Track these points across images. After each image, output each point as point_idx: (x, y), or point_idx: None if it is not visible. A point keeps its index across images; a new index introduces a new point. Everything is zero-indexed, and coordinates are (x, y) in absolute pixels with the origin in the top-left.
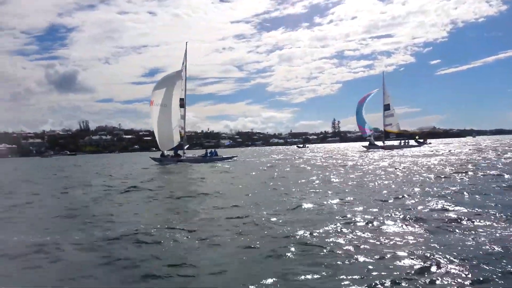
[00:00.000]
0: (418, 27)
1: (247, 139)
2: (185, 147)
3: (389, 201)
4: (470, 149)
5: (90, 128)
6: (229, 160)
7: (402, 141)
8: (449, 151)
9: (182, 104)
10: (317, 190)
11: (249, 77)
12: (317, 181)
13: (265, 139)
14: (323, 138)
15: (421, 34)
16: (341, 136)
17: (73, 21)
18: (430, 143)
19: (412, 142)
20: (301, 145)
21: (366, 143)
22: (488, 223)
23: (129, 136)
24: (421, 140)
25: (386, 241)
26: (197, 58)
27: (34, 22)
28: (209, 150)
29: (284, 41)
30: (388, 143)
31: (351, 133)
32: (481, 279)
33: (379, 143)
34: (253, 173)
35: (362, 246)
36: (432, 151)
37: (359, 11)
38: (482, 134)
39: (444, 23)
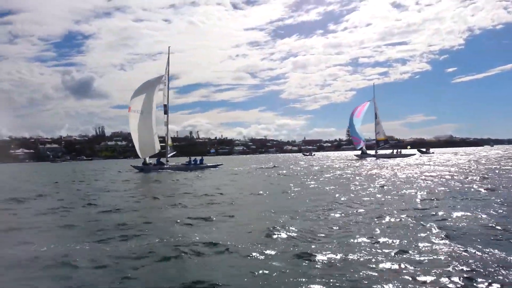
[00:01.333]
0: (434, 34)
1: (260, 146)
2: (170, 155)
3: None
4: (463, 160)
5: (105, 133)
6: (214, 168)
7: (395, 151)
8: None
9: (166, 110)
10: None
11: (263, 84)
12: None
13: (278, 146)
14: (337, 145)
15: (437, 42)
16: (353, 144)
17: (89, 28)
18: (433, 153)
19: (404, 151)
20: (307, 153)
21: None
22: None
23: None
24: (424, 150)
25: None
26: (211, 65)
27: (52, 29)
28: (193, 158)
29: (298, 48)
30: (380, 152)
31: (369, 141)
32: None
33: (372, 152)
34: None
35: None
36: (420, 161)
37: (374, 18)
38: (499, 143)
39: (460, 30)
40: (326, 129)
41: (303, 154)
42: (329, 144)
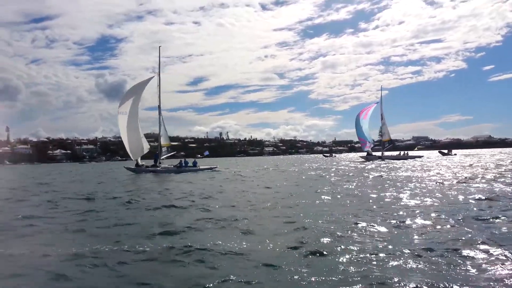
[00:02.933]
0: (470, 31)
1: (290, 147)
2: (163, 156)
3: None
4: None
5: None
6: (208, 170)
7: (402, 152)
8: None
9: (159, 111)
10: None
11: (292, 84)
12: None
13: (308, 147)
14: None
15: (473, 39)
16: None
17: (122, 32)
18: (454, 154)
19: (412, 153)
20: (328, 154)
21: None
22: None
23: (175, 143)
24: (445, 151)
25: None
26: (240, 66)
27: (86, 33)
28: (184, 160)
29: (327, 48)
30: (387, 153)
31: (399, 141)
32: None
33: (378, 154)
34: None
35: None
36: (424, 164)
37: (406, 15)
38: None
39: (498, 27)
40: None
41: (324, 155)
42: (359, 145)
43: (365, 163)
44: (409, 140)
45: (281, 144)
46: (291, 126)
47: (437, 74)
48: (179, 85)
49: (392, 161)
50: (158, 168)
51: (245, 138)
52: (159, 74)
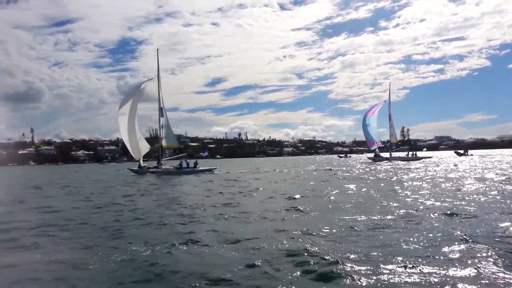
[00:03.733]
0: (494, 28)
1: (309, 147)
2: (165, 158)
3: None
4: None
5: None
6: (207, 172)
7: (410, 153)
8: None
9: (162, 113)
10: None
11: (310, 84)
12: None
13: (328, 148)
14: (390, 146)
15: (498, 36)
16: (410, 145)
17: (142, 34)
18: (471, 155)
19: (420, 154)
20: (342, 155)
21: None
22: None
23: (195, 144)
24: (461, 151)
25: None
26: (258, 66)
27: (107, 36)
28: (186, 161)
29: (346, 47)
30: (395, 154)
31: (421, 141)
32: None
33: (386, 155)
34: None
35: None
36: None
37: (428, 13)
38: None
39: None
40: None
41: (338, 156)
42: (382, 145)
43: (373, 164)
44: (431, 140)
45: (300, 145)
46: (309, 126)
47: (460, 73)
48: (197, 86)
49: (400, 162)
50: (159, 170)
51: (264, 138)
52: (159, 77)
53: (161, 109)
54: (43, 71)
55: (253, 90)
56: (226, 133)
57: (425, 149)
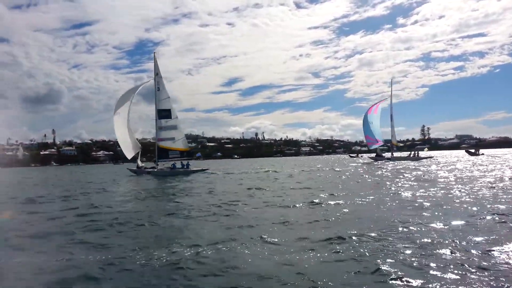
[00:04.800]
0: None
1: (327, 146)
2: (165, 160)
3: None
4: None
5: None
6: (200, 173)
7: (411, 153)
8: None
9: (168, 115)
10: None
11: (327, 83)
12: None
13: (346, 147)
14: (410, 145)
15: None
16: (431, 144)
17: (159, 35)
18: (482, 154)
19: (422, 153)
20: (354, 155)
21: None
22: None
23: (212, 144)
24: (472, 151)
25: None
26: (274, 66)
27: (124, 37)
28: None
29: (364, 45)
30: (397, 154)
31: (442, 140)
32: None
33: (388, 155)
34: None
35: None
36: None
37: (447, 9)
38: None
39: None
40: (395, 128)
41: (349, 155)
42: (401, 144)
43: (373, 164)
44: (452, 138)
45: (317, 144)
46: (326, 125)
47: (481, 70)
48: (214, 86)
49: (401, 162)
50: (155, 170)
51: (281, 138)
52: (155, 78)
53: (165, 111)
54: (63, 73)
55: (270, 89)
56: (243, 133)
57: (426, 149)
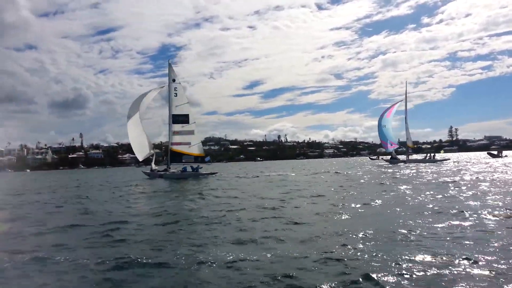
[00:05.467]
0: None
1: (351, 149)
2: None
3: None
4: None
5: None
6: (208, 176)
7: (427, 156)
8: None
9: (177, 120)
10: None
11: (350, 85)
12: None
13: (370, 149)
14: (438, 147)
15: None
16: (459, 145)
17: (181, 40)
18: (505, 156)
19: (438, 156)
20: (375, 157)
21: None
22: None
23: (235, 147)
24: (495, 153)
25: None
26: (296, 68)
27: (148, 43)
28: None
29: (387, 45)
30: (412, 157)
31: (471, 142)
32: None
33: (402, 157)
34: None
35: None
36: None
37: (474, 7)
38: None
39: None
40: (421, 130)
41: (370, 158)
42: (428, 146)
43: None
44: (481, 140)
45: (341, 146)
46: (350, 127)
47: (510, 69)
48: (236, 89)
49: (416, 164)
50: (167, 173)
51: (304, 140)
52: (170, 84)
53: (182, 116)
54: (90, 78)
55: (291, 92)
56: (265, 135)
57: (442, 151)
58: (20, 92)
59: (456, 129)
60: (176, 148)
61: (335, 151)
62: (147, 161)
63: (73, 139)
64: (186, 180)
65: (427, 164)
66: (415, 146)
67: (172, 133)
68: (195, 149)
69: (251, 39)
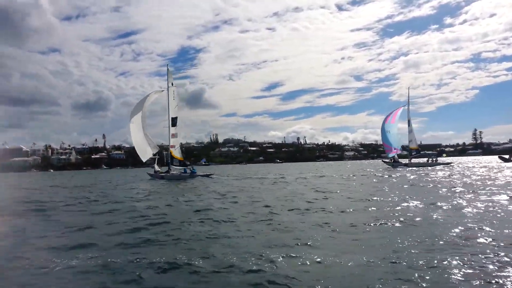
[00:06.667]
0: None
1: (371, 151)
2: (175, 165)
3: None
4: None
5: (218, 140)
6: (207, 177)
7: (430, 159)
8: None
9: (174, 123)
10: None
11: (370, 86)
12: None
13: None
14: (461, 150)
15: None
16: (483, 148)
17: (200, 43)
18: None
19: (440, 159)
20: (387, 160)
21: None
22: None
23: (254, 148)
24: (506, 157)
25: None
26: (316, 70)
27: (168, 46)
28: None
29: (409, 46)
30: (414, 161)
31: (495, 145)
32: None
33: (405, 161)
34: None
35: None
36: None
37: (499, 7)
38: None
39: None
40: (443, 133)
41: (383, 161)
42: (452, 149)
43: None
44: (506, 143)
45: (362, 149)
46: (370, 129)
47: None
48: (254, 91)
49: (419, 169)
50: (168, 174)
51: (324, 142)
52: (168, 88)
53: (173, 119)
54: (111, 81)
55: (310, 94)
56: (284, 137)
57: (444, 155)
58: (44, 94)
59: (480, 132)
60: (171, 150)
61: (356, 153)
62: (164, 162)
63: (96, 140)
64: (184, 181)
65: (430, 168)
66: (418, 148)
67: (171, 136)
68: (177, 153)
69: (270, 41)
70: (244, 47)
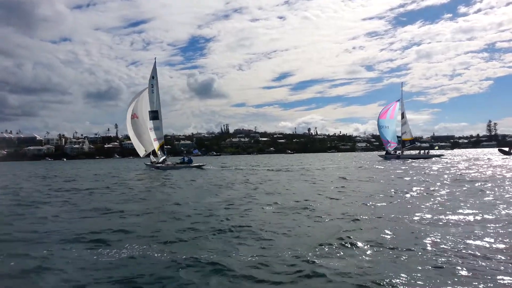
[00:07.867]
0: None
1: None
2: (164, 156)
3: None
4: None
5: (229, 130)
6: (200, 168)
7: (422, 151)
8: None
9: (156, 116)
10: None
11: (382, 76)
12: None
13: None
14: (475, 142)
15: None
16: (498, 140)
17: (211, 32)
18: None
19: (432, 151)
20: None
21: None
22: None
23: (265, 139)
24: (506, 149)
25: None
26: (326, 59)
27: (178, 35)
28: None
29: (422, 36)
30: (407, 152)
31: (510, 137)
32: None
33: (398, 152)
34: None
35: None
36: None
37: None
38: None
39: None
40: (456, 124)
41: (378, 155)
42: (465, 141)
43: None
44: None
45: (373, 140)
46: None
47: None
48: (264, 81)
49: (410, 160)
50: (163, 165)
51: (334, 133)
52: (155, 82)
53: (153, 112)
54: (121, 70)
55: (321, 84)
56: (295, 128)
57: (436, 147)
58: (55, 83)
59: (495, 123)
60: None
61: (368, 144)
62: (174, 152)
63: (108, 129)
64: (178, 170)
65: (420, 160)
66: (413, 138)
67: (148, 129)
68: (156, 146)
69: (281, 30)
70: (254, 36)
